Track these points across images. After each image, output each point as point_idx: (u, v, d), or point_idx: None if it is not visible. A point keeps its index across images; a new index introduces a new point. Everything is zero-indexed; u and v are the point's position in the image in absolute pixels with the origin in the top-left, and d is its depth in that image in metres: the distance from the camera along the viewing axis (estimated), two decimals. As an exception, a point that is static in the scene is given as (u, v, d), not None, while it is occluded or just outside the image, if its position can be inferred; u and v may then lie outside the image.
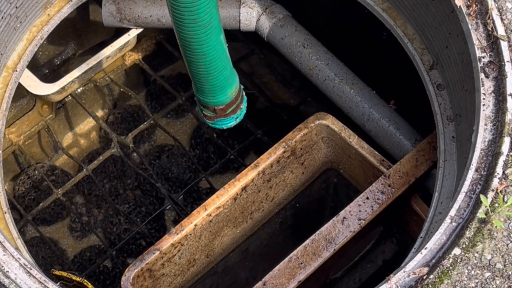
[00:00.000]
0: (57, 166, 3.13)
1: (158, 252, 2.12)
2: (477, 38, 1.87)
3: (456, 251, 1.63)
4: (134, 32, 2.77)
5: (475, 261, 1.62)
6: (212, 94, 1.91)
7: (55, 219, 3.06)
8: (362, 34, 2.81)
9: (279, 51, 2.67)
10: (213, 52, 1.75)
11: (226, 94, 1.93)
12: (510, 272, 1.61)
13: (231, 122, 2.05)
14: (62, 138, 3.16)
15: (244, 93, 2.05)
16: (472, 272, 1.61)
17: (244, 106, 2.06)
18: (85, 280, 1.94)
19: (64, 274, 1.94)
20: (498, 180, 1.69)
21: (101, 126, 3.01)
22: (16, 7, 2.17)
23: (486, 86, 1.82)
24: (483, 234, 1.64)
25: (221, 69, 1.82)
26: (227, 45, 1.82)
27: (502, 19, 1.87)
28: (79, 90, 2.99)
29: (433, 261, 1.65)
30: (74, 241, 3.06)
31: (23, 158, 2.99)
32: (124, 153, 2.93)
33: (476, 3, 1.89)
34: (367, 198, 2.13)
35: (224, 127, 2.06)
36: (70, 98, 2.97)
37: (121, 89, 3.08)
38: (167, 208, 2.91)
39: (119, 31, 2.81)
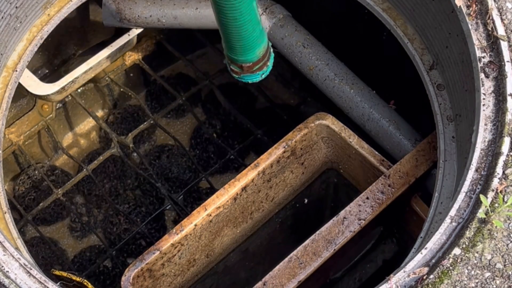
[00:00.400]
0: (57, 166, 3.13)
1: (158, 252, 2.12)
2: (477, 38, 1.87)
3: (456, 251, 1.63)
4: (134, 32, 2.78)
5: (475, 261, 1.62)
6: (241, 53, 1.98)
7: (55, 219, 3.06)
8: (362, 34, 2.81)
9: (279, 51, 2.67)
10: (245, 17, 1.81)
11: (254, 53, 1.99)
12: (510, 272, 1.61)
13: (257, 78, 2.10)
14: (62, 138, 3.16)
15: (271, 50, 2.10)
16: (472, 272, 1.61)
17: (270, 63, 2.11)
18: (85, 280, 1.94)
19: (64, 274, 1.94)
20: (498, 180, 1.69)
21: (101, 126, 3.01)
22: (16, 7, 2.17)
23: (486, 86, 1.82)
24: (483, 234, 1.64)
25: (251, 32, 1.89)
26: (258, 8, 1.87)
27: (502, 19, 1.87)
28: (79, 90, 2.99)
29: (433, 261, 1.65)
30: (74, 241, 3.06)
31: (23, 158, 2.99)
32: (124, 153, 2.93)
33: (476, 3, 1.89)
34: (367, 198, 2.13)
35: (250, 82, 2.12)
36: (70, 98, 2.97)
37: (121, 89, 3.08)
38: (167, 208, 2.91)
39: (119, 31, 2.81)
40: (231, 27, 1.87)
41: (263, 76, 2.11)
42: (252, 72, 2.07)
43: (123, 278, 2.10)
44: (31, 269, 1.71)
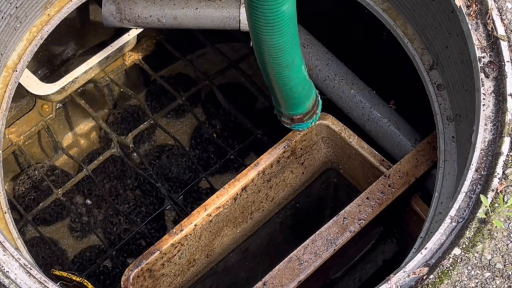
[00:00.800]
0: (57, 166, 3.13)
1: (158, 252, 2.12)
2: (477, 38, 1.87)
3: (456, 251, 1.63)
4: (134, 32, 2.77)
5: (475, 261, 1.62)
6: (291, 108, 2.07)
7: (55, 219, 3.06)
8: (362, 34, 2.81)
9: (279, 51, 2.66)
10: (295, 80, 1.89)
11: (304, 107, 2.08)
12: (510, 272, 1.61)
13: (308, 125, 2.20)
14: (62, 138, 3.16)
15: (319, 98, 2.17)
16: (472, 272, 1.61)
17: (319, 110, 2.19)
18: (85, 280, 1.94)
19: (64, 274, 1.94)
20: (498, 180, 1.69)
21: (101, 126, 3.01)
22: (16, 7, 2.17)
23: (486, 86, 1.82)
24: (483, 234, 1.64)
25: (300, 91, 1.97)
26: (306, 68, 1.93)
27: (502, 19, 1.87)
28: (79, 90, 2.98)
29: (433, 261, 1.65)
30: (74, 241, 3.06)
31: (23, 158, 2.99)
32: (124, 153, 2.93)
33: (476, 3, 1.89)
34: (367, 198, 2.13)
35: (300, 129, 2.22)
36: (70, 98, 2.97)
37: (121, 89, 3.08)
38: (167, 208, 2.91)
39: (119, 31, 2.81)
40: (281, 90, 1.93)
41: (313, 123, 2.20)
42: (303, 122, 2.16)
43: (123, 278, 2.10)
44: (31, 269, 1.71)
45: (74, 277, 1.93)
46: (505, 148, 1.72)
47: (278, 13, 1.58)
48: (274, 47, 1.69)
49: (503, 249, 1.63)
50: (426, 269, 1.63)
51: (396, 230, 2.59)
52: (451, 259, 1.62)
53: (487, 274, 1.61)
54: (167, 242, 2.14)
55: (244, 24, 2.65)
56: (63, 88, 2.74)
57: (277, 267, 2.05)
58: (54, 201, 2.87)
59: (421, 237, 1.93)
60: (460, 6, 1.90)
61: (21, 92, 2.69)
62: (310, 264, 2.05)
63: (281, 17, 1.59)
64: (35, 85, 2.66)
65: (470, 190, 1.72)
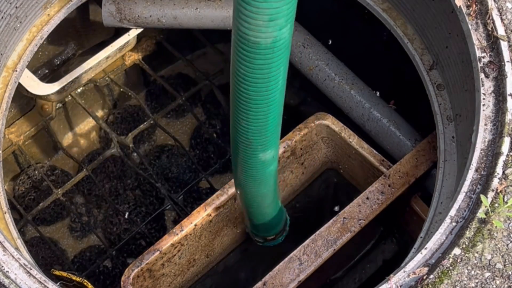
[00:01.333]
0: (57, 166, 3.13)
1: (158, 252, 2.12)
2: (477, 38, 1.87)
3: (456, 251, 1.63)
4: (134, 32, 2.77)
5: (475, 261, 1.62)
6: (266, 232, 2.29)
7: (55, 219, 3.06)
8: (362, 34, 2.81)
9: (279, 51, 2.66)
10: (271, 215, 2.13)
11: (275, 229, 2.28)
12: (510, 272, 1.61)
13: (279, 241, 2.35)
14: (62, 138, 3.16)
15: (287, 216, 2.33)
16: (472, 272, 1.61)
17: (287, 227, 2.35)
18: (85, 280, 1.94)
19: (64, 274, 1.94)
20: (498, 180, 1.69)
21: (101, 126, 3.01)
22: (16, 7, 2.17)
23: (486, 86, 1.82)
24: (483, 234, 1.64)
25: (276, 221, 2.21)
26: (280, 202, 2.13)
27: (502, 19, 1.87)
28: (79, 90, 2.98)
29: (433, 261, 1.65)
30: (74, 241, 3.06)
31: (23, 158, 2.99)
32: (124, 153, 2.93)
33: (476, 3, 1.89)
34: (367, 198, 2.13)
35: (272, 245, 2.38)
36: (70, 98, 2.97)
37: (121, 89, 3.08)
38: (167, 208, 2.90)
39: (119, 31, 2.81)
40: (259, 221, 2.14)
41: (282, 239, 2.36)
42: (274, 240, 2.33)
43: (123, 278, 2.10)
44: (31, 269, 1.71)
45: (74, 277, 1.93)
46: (505, 148, 1.72)
47: (265, 174, 1.79)
48: (258, 195, 1.93)
49: (503, 249, 1.63)
50: (426, 269, 1.63)
51: (396, 230, 2.59)
52: (451, 259, 1.62)
53: (487, 274, 1.61)
54: (167, 242, 2.14)
55: (244, 24, 2.65)
56: (63, 88, 2.74)
57: (277, 267, 2.05)
58: (54, 201, 2.87)
59: (421, 237, 1.93)
60: (460, 6, 1.90)
61: (21, 92, 2.69)
62: (310, 264, 2.05)
63: (268, 175, 1.81)
64: (35, 85, 2.66)
65: (470, 190, 1.72)
